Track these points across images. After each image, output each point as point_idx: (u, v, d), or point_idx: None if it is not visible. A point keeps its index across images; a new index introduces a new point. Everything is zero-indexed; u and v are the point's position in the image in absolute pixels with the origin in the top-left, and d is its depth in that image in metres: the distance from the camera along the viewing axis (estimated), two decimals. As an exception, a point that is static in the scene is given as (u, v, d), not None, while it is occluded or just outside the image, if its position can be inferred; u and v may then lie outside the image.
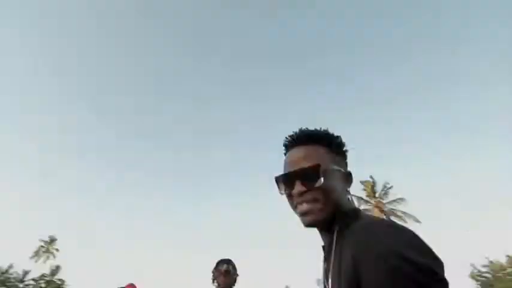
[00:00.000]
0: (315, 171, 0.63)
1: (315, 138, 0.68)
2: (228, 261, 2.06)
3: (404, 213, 22.51)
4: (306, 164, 0.64)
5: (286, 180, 0.67)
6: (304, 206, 0.63)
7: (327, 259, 0.65)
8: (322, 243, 0.69)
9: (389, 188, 23.92)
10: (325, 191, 0.63)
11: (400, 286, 0.42)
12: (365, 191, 24.20)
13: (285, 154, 0.72)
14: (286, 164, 0.70)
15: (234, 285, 2.03)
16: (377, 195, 23.91)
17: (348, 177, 0.70)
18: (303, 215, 0.64)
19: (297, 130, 0.72)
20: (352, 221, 0.58)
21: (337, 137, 0.72)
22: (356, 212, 0.64)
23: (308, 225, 0.65)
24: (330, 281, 0.58)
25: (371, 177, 24.39)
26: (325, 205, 0.62)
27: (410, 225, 20.74)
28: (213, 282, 2.01)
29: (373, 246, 0.47)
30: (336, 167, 0.67)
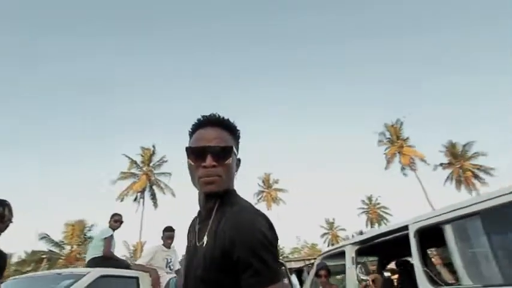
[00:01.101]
0: (226, 151, 0.79)
1: (226, 125, 0.84)
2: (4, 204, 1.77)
3: (166, 186, 26.68)
4: (219, 143, 0.79)
5: (198, 153, 0.79)
6: (211, 178, 0.77)
7: (203, 222, 0.83)
8: (200, 209, 0.87)
9: (165, 161, 27.36)
10: (228, 169, 0.80)
11: (260, 252, 0.64)
12: (142, 157, 27.09)
13: (194, 131, 0.86)
14: (198, 139, 0.82)
15: (4, 231, 1.78)
16: (151, 164, 27.23)
17: (238, 162, 0.88)
18: (207, 183, 0.77)
19: (211, 114, 0.85)
20: (233, 200, 0.79)
21: (239, 130, 0.88)
22: (235, 192, 0.83)
23: (209, 193, 0.79)
24: (205, 239, 0.76)
25: (153, 146, 27.48)
26: (225, 181, 0.79)
27: (167, 196, 26.23)
28: None
29: (253, 226, 0.68)
30: (235, 152, 0.84)
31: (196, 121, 0.87)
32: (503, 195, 1.98)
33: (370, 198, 46.28)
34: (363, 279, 3.05)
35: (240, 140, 0.90)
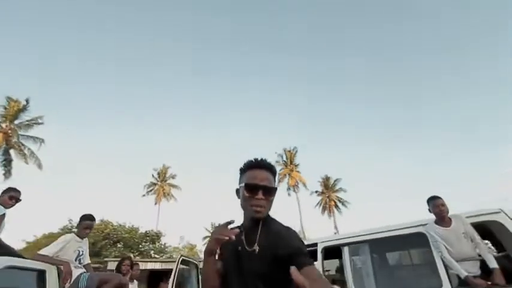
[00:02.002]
0: (273, 190, 1.10)
1: (273, 169, 1.14)
2: None
3: (32, 153, 21.94)
4: (269, 184, 1.09)
5: (253, 188, 1.08)
6: (259, 207, 1.07)
7: (248, 234, 1.12)
8: (245, 225, 1.15)
9: (39, 123, 22.69)
10: (271, 202, 1.12)
11: (303, 250, 0.97)
12: (5, 110, 21.91)
13: (245, 169, 1.14)
14: (252, 177, 1.10)
15: None
16: (16, 122, 22.37)
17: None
18: (256, 212, 1.08)
19: (257, 157, 1.15)
20: (272, 220, 1.13)
21: (276, 171, 1.18)
22: (270, 216, 1.15)
23: (258, 218, 1.09)
24: (255, 246, 1.06)
25: (27, 100, 22.06)
26: (267, 210, 1.11)
27: (31, 167, 21.64)
28: None
29: (294, 236, 1.03)
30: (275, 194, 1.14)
31: (248, 162, 1.15)
32: (385, 231, 2.90)
33: (255, 209, 50.46)
34: None
35: (276, 174, 1.19)
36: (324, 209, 38.38)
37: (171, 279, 3.54)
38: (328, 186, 39.11)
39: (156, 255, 20.02)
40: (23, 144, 21.65)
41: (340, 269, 3.19)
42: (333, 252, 3.38)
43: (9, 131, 21.21)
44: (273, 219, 1.15)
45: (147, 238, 20.13)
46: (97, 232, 18.83)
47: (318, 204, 38.97)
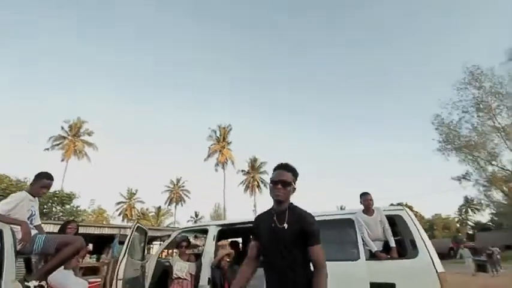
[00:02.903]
0: (288, 184, 1.60)
1: (291, 170, 1.64)
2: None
3: None
4: (286, 179, 1.59)
5: (275, 182, 1.60)
6: (278, 194, 1.59)
7: (280, 216, 1.59)
8: (275, 210, 1.62)
9: None
10: (288, 192, 1.60)
11: (316, 228, 1.54)
12: None
13: (275, 170, 1.66)
14: (273, 175, 1.64)
15: None
16: None
17: (294, 190, 1.64)
18: (275, 196, 1.59)
19: (282, 163, 1.67)
20: (294, 206, 1.62)
21: (297, 173, 1.67)
22: (292, 204, 1.64)
23: (277, 200, 1.59)
24: (285, 224, 1.55)
25: None
26: (285, 197, 1.60)
27: None
28: None
29: (311, 219, 1.56)
30: (293, 185, 1.62)
31: (276, 165, 1.68)
32: (325, 215, 3.64)
33: (178, 180, 49.83)
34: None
35: (297, 177, 1.68)
36: (247, 188, 40.83)
37: (124, 246, 3.57)
38: (254, 167, 41.53)
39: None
40: None
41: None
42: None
43: None
44: (296, 206, 1.64)
45: (55, 199, 17.59)
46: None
47: (242, 182, 41.15)
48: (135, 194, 47.44)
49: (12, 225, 2.37)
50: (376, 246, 3.23)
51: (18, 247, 2.43)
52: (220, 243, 4.66)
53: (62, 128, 34.44)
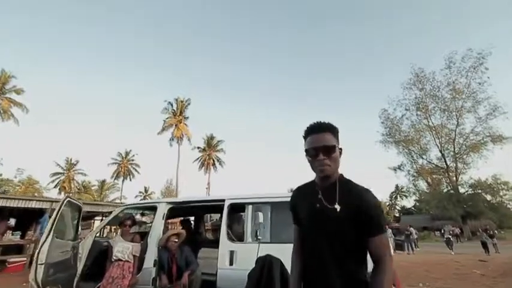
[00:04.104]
0: (332, 148, 1.15)
1: (329, 128, 1.18)
2: None
3: None
4: (327, 143, 1.14)
5: (313, 152, 1.15)
6: (323, 166, 1.14)
7: (328, 193, 1.16)
8: (320, 185, 1.20)
9: None
10: (335, 160, 1.15)
11: (379, 213, 1.08)
12: None
13: (306, 136, 1.20)
14: (311, 142, 1.16)
15: None
16: None
17: (341, 151, 1.20)
18: (322, 171, 1.15)
19: (312, 123, 1.20)
20: (347, 180, 1.19)
21: (337, 128, 1.20)
22: (343, 176, 1.20)
23: (324, 176, 1.16)
24: (337, 205, 1.11)
25: None
26: (334, 169, 1.16)
27: None
28: None
29: (373, 199, 1.10)
30: (338, 147, 1.17)
31: (306, 128, 1.22)
32: (282, 196, 3.49)
33: (127, 153, 46.43)
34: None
35: (338, 132, 1.22)
36: (202, 165, 39.99)
37: (49, 224, 2.94)
38: (210, 145, 40.66)
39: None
40: None
41: (241, 222, 3.63)
42: (237, 208, 3.77)
43: None
44: (350, 180, 1.19)
45: None
46: None
47: (197, 159, 40.12)
48: (75, 165, 42.94)
49: None
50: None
51: None
52: (171, 221, 4.26)
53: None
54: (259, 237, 3.23)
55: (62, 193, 40.44)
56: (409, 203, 50.99)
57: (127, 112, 66.35)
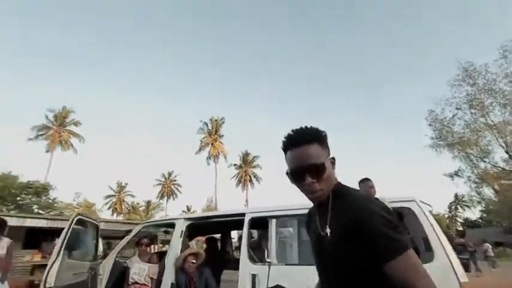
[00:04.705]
0: (322, 168, 0.87)
1: (312, 139, 0.89)
2: None
3: None
4: (312, 161, 0.87)
5: (297, 174, 0.89)
6: (314, 193, 0.89)
7: (322, 214, 0.92)
8: (315, 206, 0.98)
9: None
10: (326, 180, 0.89)
11: (383, 230, 0.75)
12: None
13: (286, 152, 0.93)
14: (292, 161, 0.90)
15: None
16: None
17: (333, 161, 0.94)
18: (313, 199, 0.91)
19: (291, 132, 0.92)
20: (343, 193, 0.90)
21: (324, 133, 0.93)
22: (340, 184, 0.94)
23: (316, 203, 0.94)
24: (327, 227, 0.87)
25: None
26: (327, 189, 0.90)
27: None
28: None
29: (370, 209, 0.79)
30: (329, 159, 0.91)
31: (284, 139, 0.93)
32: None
33: (170, 174, 48.79)
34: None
35: (327, 141, 0.94)
36: (239, 182, 40.15)
37: (60, 239, 2.79)
38: (246, 161, 40.81)
39: (41, 211, 16.66)
40: None
41: (265, 239, 3.14)
42: (259, 223, 3.30)
43: None
44: (346, 191, 0.91)
45: (30, 190, 16.43)
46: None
47: (234, 176, 40.43)
48: (124, 187, 46.29)
49: None
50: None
51: None
52: (198, 239, 3.93)
53: (47, 117, 32.92)
54: (282, 258, 2.71)
55: (115, 214, 43.68)
56: (473, 214, 44.44)
57: (166, 132, 70.57)
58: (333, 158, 0.94)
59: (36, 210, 15.64)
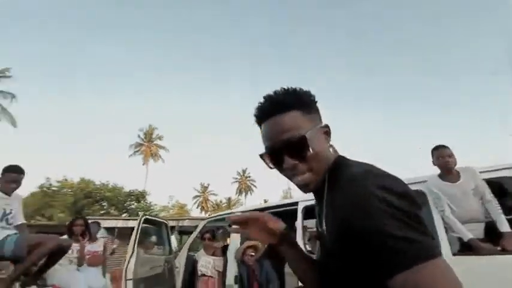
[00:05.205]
0: (301, 143, 0.60)
1: (288, 105, 0.63)
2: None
3: (4, 109, 19.67)
4: (289, 136, 0.61)
5: (273, 156, 0.65)
6: (300, 178, 0.63)
7: (319, 204, 0.68)
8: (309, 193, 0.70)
9: (6, 76, 20.03)
10: (315, 158, 0.62)
11: (386, 228, 0.43)
12: None
13: (259, 126, 0.68)
14: (264, 138, 0.66)
15: None
16: None
17: (326, 130, 0.67)
18: (300, 187, 0.65)
19: (263, 100, 0.66)
20: (339, 172, 0.60)
21: (308, 93, 0.66)
22: (339, 161, 0.64)
23: (307, 193, 0.67)
24: (323, 224, 0.62)
25: None
26: (318, 171, 0.63)
27: (3, 124, 19.50)
28: None
29: (363, 194, 0.48)
30: (316, 128, 0.64)
31: (255, 114, 0.68)
32: None
33: (244, 171, 51.54)
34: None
35: (315, 103, 0.68)
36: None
37: (132, 238, 3.13)
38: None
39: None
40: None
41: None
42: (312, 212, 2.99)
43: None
44: (341, 167, 0.61)
45: (132, 197, 20.11)
46: (77, 190, 18.59)
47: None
48: (207, 187, 51.22)
49: None
50: (470, 232, 1.93)
51: None
52: None
53: (138, 136, 39.18)
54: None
55: (203, 212, 48.94)
56: None
57: (235, 128, 74.39)
58: (326, 126, 0.67)
59: (139, 214, 19.08)
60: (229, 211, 4.30)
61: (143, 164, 38.39)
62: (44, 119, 50.90)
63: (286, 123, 0.61)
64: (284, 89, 0.65)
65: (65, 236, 3.12)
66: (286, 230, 0.72)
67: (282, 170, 0.65)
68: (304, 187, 0.64)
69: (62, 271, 2.86)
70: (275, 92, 0.65)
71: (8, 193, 2.40)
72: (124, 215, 18.13)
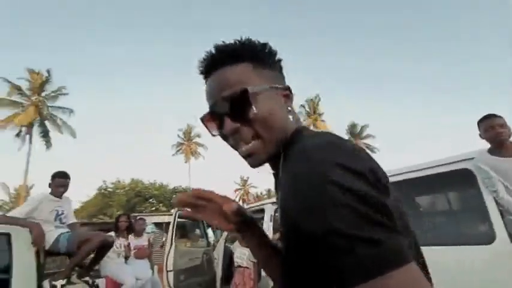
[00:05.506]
0: (242, 99, 0.47)
1: (234, 56, 0.51)
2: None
3: (64, 123, 20.96)
4: (228, 93, 0.49)
5: (213, 118, 0.52)
6: (244, 147, 0.50)
7: (276, 187, 0.57)
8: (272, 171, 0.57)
9: (63, 94, 21.66)
10: (262, 120, 0.48)
11: (335, 222, 0.31)
12: (29, 83, 20.96)
13: (205, 82, 0.56)
14: (208, 95, 0.53)
15: None
16: (43, 94, 20.98)
17: (287, 93, 0.54)
18: (245, 157, 0.51)
19: (210, 49, 0.53)
20: (295, 145, 0.45)
21: (264, 45, 0.53)
22: (298, 131, 0.51)
23: (254, 167, 0.53)
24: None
25: (48, 71, 20.70)
26: (268, 139, 0.49)
27: (66, 136, 21.08)
28: None
29: (313, 176, 0.35)
30: (268, 85, 0.51)
31: (198, 66, 0.55)
32: (418, 170, 2.23)
33: (281, 162, 51.56)
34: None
35: (276, 59, 0.55)
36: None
37: (169, 232, 3.31)
38: (354, 134, 37.67)
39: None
40: (54, 115, 22.29)
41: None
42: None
43: (39, 103, 21.24)
44: (298, 142, 0.45)
45: (176, 194, 21.51)
46: (129, 190, 20.58)
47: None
48: (247, 180, 52.45)
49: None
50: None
51: (47, 246, 2.44)
52: None
53: (178, 135, 41.45)
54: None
55: (244, 204, 50.40)
56: None
57: None
58: (287, 89, 0.55)
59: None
60: (260, 202, 4.32)
61: (185, 162, 40.63)
62: (93, 128, 57.04)
63: (232, 77, 0.49)
64: (236, 39, 0.53)
65: (112, 232, 3.43)
66: (241, 212, 0.55)
67: (224, 137, 0.53)
68: (249, 158, 0.51)
69: (111, 264, 3.15)
70: (225, 43, 0.53)
71: (58, 196, 2.69)
72: (172, 210, 19.65)
